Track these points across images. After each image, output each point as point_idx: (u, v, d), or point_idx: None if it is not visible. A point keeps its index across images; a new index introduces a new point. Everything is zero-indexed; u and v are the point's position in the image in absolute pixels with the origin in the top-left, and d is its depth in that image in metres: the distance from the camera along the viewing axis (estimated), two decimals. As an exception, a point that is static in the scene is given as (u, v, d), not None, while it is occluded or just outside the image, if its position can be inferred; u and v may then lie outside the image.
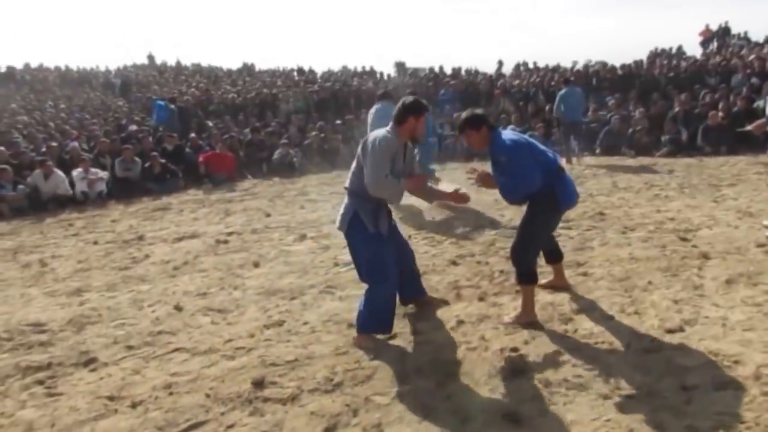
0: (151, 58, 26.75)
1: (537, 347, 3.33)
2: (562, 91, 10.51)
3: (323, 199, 8.82)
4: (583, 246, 5.29)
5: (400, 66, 24.35)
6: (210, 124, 13.33)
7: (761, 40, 16.38)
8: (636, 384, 2.84)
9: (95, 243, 6.88)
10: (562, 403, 2.75)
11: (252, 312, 4.31)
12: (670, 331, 3.37)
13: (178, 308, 4.45)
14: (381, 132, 3.53)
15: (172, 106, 13.09)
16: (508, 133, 3.63)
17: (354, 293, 4.50)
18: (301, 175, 11.22)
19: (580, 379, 2.94)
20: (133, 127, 12.45)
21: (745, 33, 19.29)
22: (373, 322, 3.58)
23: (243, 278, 5.15)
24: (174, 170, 10.45)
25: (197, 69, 23.57)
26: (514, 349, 3.31)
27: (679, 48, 19.49)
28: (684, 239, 5.22)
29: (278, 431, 2.74)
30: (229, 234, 6.94)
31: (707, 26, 20.97)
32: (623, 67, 14.42)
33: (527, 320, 3.63)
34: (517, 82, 15.71)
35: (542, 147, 3.66)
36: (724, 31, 20.31)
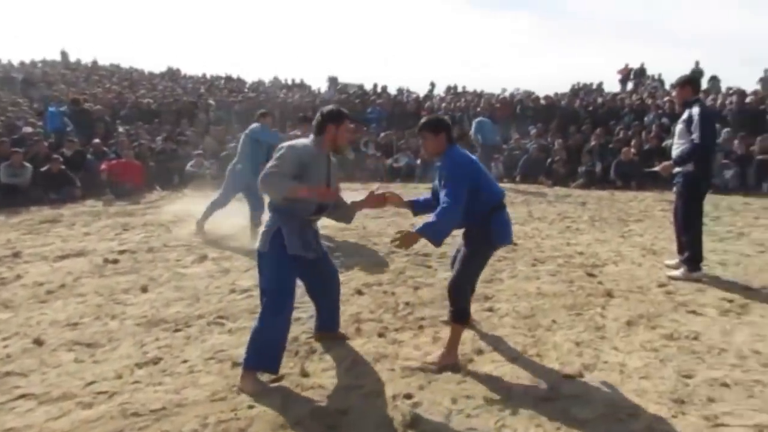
0: (64, 54, 25.10)
1: (432, 393, 3.09)
2: (477, 120, 11.17)
3: (234, 215, 8.34)
4: (493, 278, 5.16)
5: (332, 81, 24.12)
6: (120, 129, 12.48)
7: (674, 83, 17.38)
8: (529, 440, 2.65)
9: (-40, 259, 6.11)
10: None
11: (126, 347, 3.83)
12: (568, 377, 3.23)
13: (38, 342, 3.88)
14: (303, 140, 3.36)
15: (63, 108, 12.11)
16: (464, 153, 3.39)
17: (247, 325, 4.11)
18: (214, 188, 10.62)
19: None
20: (28, 129, 11.40)
21: (659, 75, 20.44)
22: (259, 357, 3.22)
23: (125, 305, 4.64)
24: (71, 178, 9.61)
25: (115, 69, 22.32)
26: (408, 396, 3.06)
27: (600, 84, 20.41)
28: (591, 275, 5.20)
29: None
30: (121, 252, 6.35)
31: (626, 65, 22.07)
32: (546, 98, 14.83)
33: (451, 361, 3.39)
34: (444, 105, 15.81)
35: (491, 177, 3.47)
36: (640, 72, 21.44)
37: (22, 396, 3.18)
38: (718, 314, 4.17)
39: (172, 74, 23.50)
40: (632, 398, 2.97)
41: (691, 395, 2.99)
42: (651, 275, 5.16)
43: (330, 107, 3.47)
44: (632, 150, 10.77)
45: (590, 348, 3.62)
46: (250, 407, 2.99)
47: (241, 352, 3.64)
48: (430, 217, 3.22)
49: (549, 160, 11.37)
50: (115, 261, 5.98)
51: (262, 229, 3.37)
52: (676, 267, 5.17)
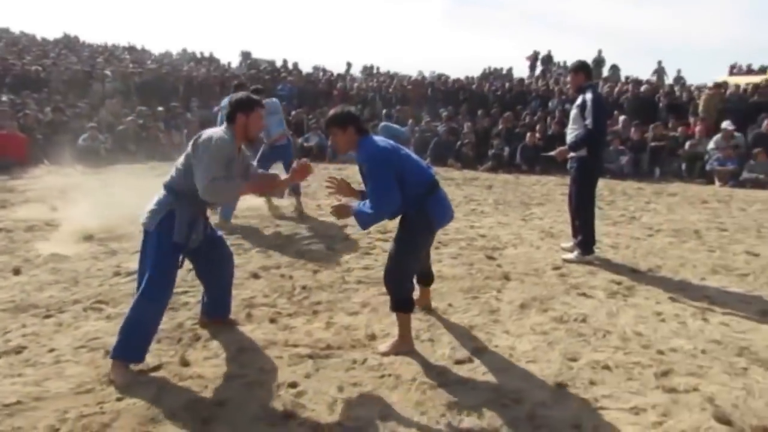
0: (-55, 13, 22.61)
1: (319, 381, 2.97)
2: (382, 126, 11.02)
3: (127, 193, 7.80)
4: (395, 261, 5.09)
5: (245, 56, 23.20)
6: (3, 98, 11.34)
7: (568, 68, 18.02)
8: (412, 427, 2.58)
9: None
10: (328, 455, 2.40)
11: (-15, 335, 3.44)
12: (459, 362, 3.20)
13: None
14: (217, 132, 3.07)
15: None
16: (380, 140, 3.18)
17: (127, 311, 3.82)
18: (108, 164, 9.96)
19: (357, 422, 2.62)
20: None
21: (565, 62, 21.22)
22: (125, 347, 2.99)
23: (-9, 289, 4.19)
24: (-58, 149, 8.66)
25: (2, 34, 20.33)
26: (293, 385, 2.93)
27: (510, 70, 20.92)
28: (490, 257, 5.26)
29: None
30: (-3, 231, 5.78)
31: (534, 51, 22.76)
32: (456, 81, 14.99)
33: (404, 349, 3.26)
34: (356, 84, 15.63)
35: (416, 159, 3.26)
36: (548, 59, 22.17)
37: None
38: (606, 296, 4.32)
39: (69, 41, 21.74)
40: (518, 383, 2.98)
41: (574, 378, 3.05)
42: (547, 258, 5.29)
43: (240, 95, 3.24)
44: (537, 135, 11.09)
45: (483, 332, 3.62)
46: (119, 399, 2.76)
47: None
48: (366, 205, 3.08)
49: (458, 143, 11.51)
50: (-13, 240, 5.42)
51: (151, 205, 3.09)
52: (570, 250, 5.34)
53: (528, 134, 11.14)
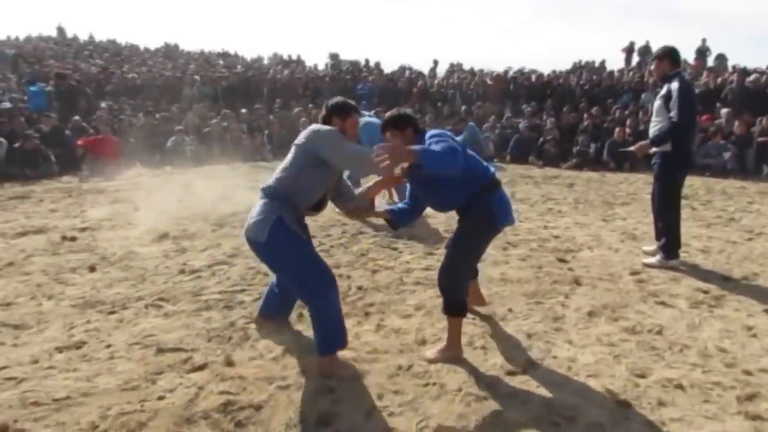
0: (60, 30, 24.70)
1: (360, 388, 2.84)
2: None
3: (206, 193, 8.10)
4: (458, 263, 4.88)
5: (333, 57, 23.60)
6: (102, 105, 12.19)
7: (652, 55, 16.66)
8: (450, 443, 2.40)
9: None
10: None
11: (54, 329, 3.61)
12: (511, 373, 2.97)
13: (-37, 322, 3.70)
14: (312, 126, 3.04)
15: (49, 89, 11.79)
16: (441, 131, 3.00)
17: (186, 308, 3.91)
18: (194, 165, 10.42)
19: (391, 433, 2.48)
20: (6, 105, 11.11)
21: (663, 52, 19.79)
22: (336, 338, 3.00)
23: (66, 285, 4.42)
24: (46, 154, 9.38)
25: (109, 45, 21.95)
26: (331, 390, 2.82)
27: (602, 62, 19.82)
28: (562, 260, 4.92)
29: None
30: (83, 230, 6.14)
31: (631, 43, 21.43)
32: (540, 76, 14.38)
33: (451, 355, 3.10)
34: (436, 82, 15.41)
35: (474, 155, 3.10)
36: (645, 50, 20.80)
37: (-73, 381, 2.98)
38: (688, 306, 3.89)
39: (169, 50, 23.08)
40: (574, 399, 2.71)
41: (640, 398, 2.73)
42: (626, 262, 4.87)
43: (337, 99, 3.16)
44: (627, 130, 10.37)
45: (542, 341, 3.35)
46: (160, 398, 2.77)
47: (172, 337, 3.45)
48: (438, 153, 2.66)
49: (541, 140, 11.02)
50: (73, 239, 5.77)
51: (256, 217, 2.95)
52: (652, 254, 4.88)
53: (617, 129, 10.45)
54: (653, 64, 4.80)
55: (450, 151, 2.64)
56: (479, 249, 3.18)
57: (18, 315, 3.84)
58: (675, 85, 4.43)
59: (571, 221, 6.43)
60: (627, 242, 5.53)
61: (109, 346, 3.37)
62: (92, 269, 4.81)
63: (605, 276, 4.50)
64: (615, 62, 20.40)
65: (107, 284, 4.43)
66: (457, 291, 3.08)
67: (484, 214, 3.02)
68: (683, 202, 7.33)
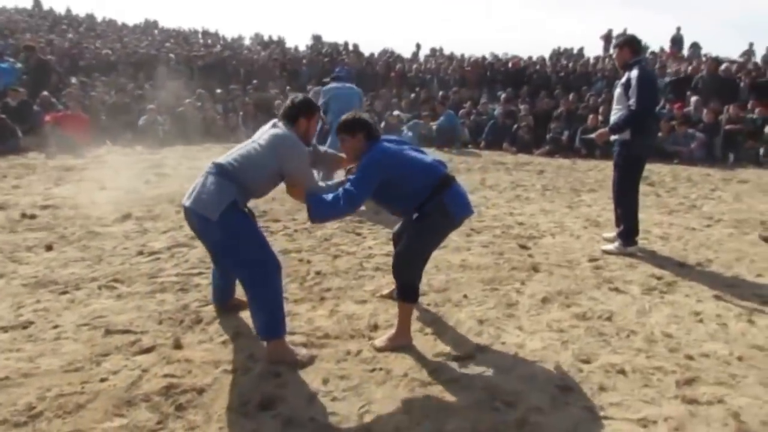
0: (36, 2, 24.03)
1: (305, 372, 2.84)
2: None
3: (176, 173, 8.00)
4: (420, 248, 4.89)
5: (316, 39, 23.28)
6: (73, 80, 11.91)
7: (614, 44, 16.75)
8: (389, 428, 2.41)
9: None
10: (292, 452, 2.27)
11: (1, 309, 3.55)
12: (458, 359, 2.99)
13: None
14: (287, 134, 3.00)
15: (19, 66, 11.47)
16: (388, 147, 3.04)
17: (141, 290, 3.87)
18: (165, 145, 10.26)
19: (334, 417, 2.48)
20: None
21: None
22: (276, 325, 2.92)
23: (20, 264, 4.35)
24: (12, 128, 9.17)
25: (86, 20, 21.40)
26: (277, 374, 2.81)
27: (581, 50, 19.85)
28: (523, 247, 4.95)
29: None
30: (44, 207, 6.04)
31: (609, 30, 21.49)
32: (516, 62, 14.34)
33: (401, 343, 3.08)
34: (414, 66, 15.31)
35: (423, 160, 3.07)
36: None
37: None
38: (641, 292, 3.94)
39: (148, 26, 22.60)
40: (517, 385, 2.73)
41: (582, 382, 2.77)
42: (586, 249, 4.93)
43: (301, 97, 3.19)
44: (599, 117, 10.43)
45: (493, 327, 3.38)
46: (102, 380, 2.74)
47: (123, 319, 3.41)
48: (328, 195, 2.95)
49: (515, 126, 11.04)
50: (33, 216, 5.67)
51: (210, 194, 2.86)
52: (611, 240, 4.94)
53: (590, 117, 10.51)
54: (615, 53, 4.81)
55: (345, 200, 2.87)
56: (435, 241, 3.17)
57: (-34, 294, 3.77)
58: (635, 72, 4.46)
59: (537, 208, 6.48)
60: (590, 229, 5.59)
61: (56, 326, 3.32)
62: (49, 248, 4.73)
63: (563, 263, 4.55)
64: (594, 50, 20.46)
65: (62, 264, 4.36)
66: (411, 277, 3.08)
67: (440, 212, 3.02)
68: (648, 189, 7.46)
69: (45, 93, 10.59)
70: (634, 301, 3.79)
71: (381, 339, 3.16)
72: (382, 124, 11.61)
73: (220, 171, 2.94)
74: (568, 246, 5.01)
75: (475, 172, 8.78)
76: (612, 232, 5.09)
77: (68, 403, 2.55)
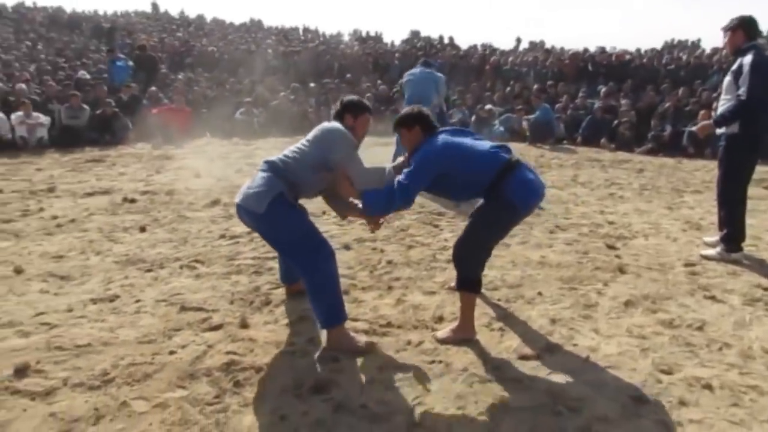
0: (154, 6, 25.95)
1: (363, 359, 2.80)
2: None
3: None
4: (501, 243, 4.71)
5: (414, 34, 23.31)
6: (180, 76, 12.69)
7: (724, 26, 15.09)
8: (440, 423, 2.31)
9: (0, 192, 6.42)
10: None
11: (93, 283, 3.82)
12: (523, 358, 2.83)
13: (17, 271, 3.98)
14: (333, 125, 3.02)
15: (131, 63, 12.35)
16: (445, 138, 2.95)
17: (218, 271, 4.02)
18: (259, 136, 10.66)
19: (383, 407, 2.41)
20: (85, 76, 11.75)
21: (768, 32, 18.09)
22: (334, 312, 2.89)
23: (115, 243, 4.66)
24: (124, 121, 9.91)
25: (196, 20, 22.76)
26: (335, 359, 2.80)
27: (698, 41, 18.36)
28: (611, 247, 4.63)
29: (0, 433, 2.26)
30: (144, 193, 6.46)
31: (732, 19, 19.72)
32: (619, 55, 13.49)
33: (463, 336, 2.99)
34: (510, 59, 14.86)
35: (482, 148, 2.92)
36: (748, 26, 19.03)
37: (-27, 321, 3.22)
38: (741, 303, 3.55)
39: (253, 25, 23.65)
40: (584, 390, 2.53)
41: (660, 395, 2.52)
42: (682, 252, 4.52)
43: (352, 98, 3.22)
44: (712, 113, 9.57)
45: (566, 327, 3.17)
46: (171, 353, 2.86)
47: (198, 297, 3.55)
48: (382, 189, 2.91)
49: (615, 122, 10.40)
50: (133, 200, 6.08)
51: (257, 188, 2.87)
52: (713, 245, 4.50)
53: (701, 112, 9.66)
54: (726, 36, 4.35)
55: (399, 193, 2.84)
56: (496, 231, 3.01)
57: (66, 267, 4.08)
58: (748, 58, 4.01)
59: (631, 207, 6.05)
60: (689, 232, 5.13)
61: (138, 301, 3.52)
62: (142, 230, 5.03)
63: (655, 266, 4.20)
64: (713, 41, 18.87)
65: (152, 244, 4.62)
66: (471, 268, 2.96)
67: (500, 202, 2.87)
68: (765, 192, 6.74)
69: (153, 88, 11.35)
70: (732, 312, 3.41)
71: (443, 330, 3.07)
72: (473, 118, 11.39)
73: (269, 167, 2.96)
74: (662, 249, 4.63)
75: (568, 168, 8.37)
76: (714, 236, 4.63)
77: (138, 372, 2.67)
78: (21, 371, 2.65)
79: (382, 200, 2.89)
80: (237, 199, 2.96)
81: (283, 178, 2.91)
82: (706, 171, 8.17)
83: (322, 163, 2.95)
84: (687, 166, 8.61)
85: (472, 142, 2.97)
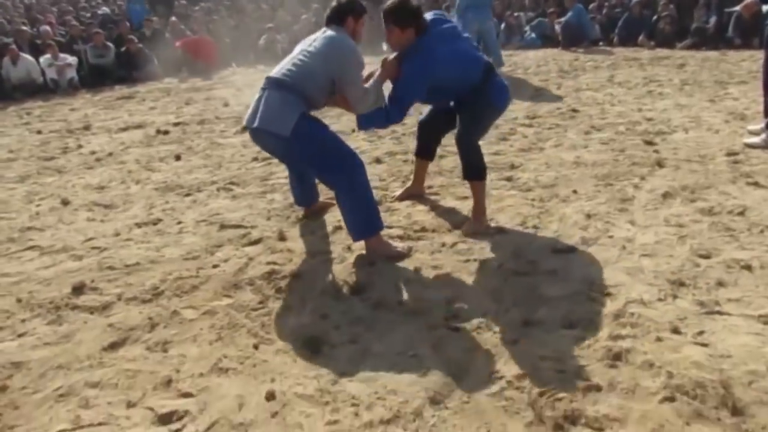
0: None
1: (399, 262, 2.86)
2: None
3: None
4: (532, 147, 4.65)
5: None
6: (196, 7, 12.46)
7: None
8: (476, 314, 2.37)
9: (38, 132, 6.57)
10: (378, 330, 2.32)
11: (136, 209, 3.95)
12: (558, 252, 2.84)
13: (64, 202, 4.15)
14: (343, 38, 2.83)
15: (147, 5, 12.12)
16: (435, 49, 2.88)
17: (253, 191, 4.11)
18: (285, 63, 10.52)
19: (420, 303, 2.48)
20: (105, 10, 11.68)
21: None
22: (372, 221, 2.88)
23: (153, 171, 4.78)
24: (149, 57, 9.89)
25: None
26: (372, 263, 2.87)
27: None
28: (649, 143, 4.50)
29: (65, 342, 2.42)
30: (176, 125, 6.52)
31: None
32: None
33: (483, 224, 3.14)
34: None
35: (468, 53, 3.03)
36: None
37: (31, 248, 3.41)
38: (786, 187, 3.44)
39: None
40: (619, 276, 2.55)
41: (697, 277, 2.51)
42: (724, 143, 4.36)
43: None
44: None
45: (601, 221, 3.15)
46: (215, 266, 2.98)
47: (236, 216, 3.65)
48: (373, 110, 2.93)
49: (654, 17, 9.81)
50: (166, 132, 6.16)
51: (278, 111, 2.76)
52: (757, 133, 4.32)
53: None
54: None
55: (393, 112, 2.91)
56: (486, 126, 3.25)
57: (109, 197, 4.23)
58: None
59: (671, 103, 5.81)
60: (732, 123, 4.93)
61: (180, 222, 3.64)
62: (177, 158, 5.13)
63: (695, 157, 4.07)
64: None
65: (188, 170, 4.72)
66: (477, 158, 3.13)
67: (486, 103, 3.08)
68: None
69: (173, 19, 11.21)
70: (775, 196, 3.32)
71: (465, 226, 3.17)
72: (502, 26, 10.93)
73: (279, 85, 2.81)
74: (702, 141, 4.47)
75: (603, 70, 8.02)
76: (759, 124, 4.44)
77: (185, 284, 2.80)
78: (78, 289, 2.81)
79: (378, 120, 2.97)
80: (254, 123, 2.83)
81: (295, 93, 2.78)
82: (753, 61, 7.71)
83: (328, 81, 2.83)
84: (732, 58, 8.14)
85: (460, 46, 3.00)
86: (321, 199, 3.63)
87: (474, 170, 3.14)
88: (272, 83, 2.85)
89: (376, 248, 2.93)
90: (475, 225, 3.12)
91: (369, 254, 2.94)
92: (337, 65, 2.80)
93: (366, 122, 2.99)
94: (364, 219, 2.87)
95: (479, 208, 3.16)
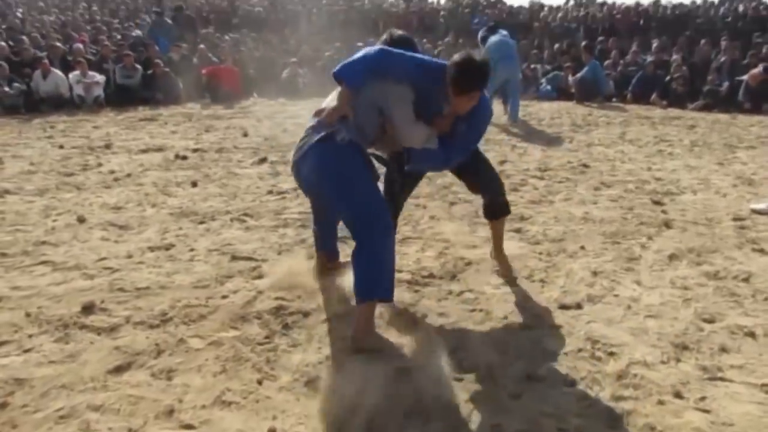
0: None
1: (406, 308, 2.91)
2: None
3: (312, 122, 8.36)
4: (542, 200, 4.71)
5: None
6: (226, 37, 12.82)
7: None
8: (479, 365, 2.39)
9: (60, 147, 6.73)
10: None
11: (150, 232, 4.02)
12: (563, 307, 2.87)
13: (80, 220, 4.22)
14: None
15: (170, 22, 12.44)
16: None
17: (266, 224, 4.17)
18: (304, 97, 10.73)
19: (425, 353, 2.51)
20: (138, 33, 12.04)
21: None
22: (384, 284, 2.56)
23: (169, 196, 4.87)
24: (175, 81, 10.14)
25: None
26: (403, 305, 2.89)
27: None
28: (657, 203, 4.56)
29: (70, 362, 2.45)
30: (194, 150, 6.65)
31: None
32: (675, 7, 12.87)
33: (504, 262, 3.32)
34: (559, 15, 14.36)
35: None
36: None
37: (44, 262, 3.47)
38: (792, 257, 3.48)
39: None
40: (623, 336, 2.58)
41: (701, 342, 2.53)
42: (731, 207, 4.42)
43: (401, 33, 2.98)
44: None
45: (607, 279, 3.18)
46: (223, 297, 3.02)
47: (247, 248, 3.71)
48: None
49: (667, 77, 10.00)
50: (185, 157, 6.28)
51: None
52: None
53: (761, 65, 9.19)
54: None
55: (449, 160, 2.83)
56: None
57: (124, 218, 4.31)
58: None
59: (680, 164, 5.89)
60: (740, 187, 4.99)
61: (192, 249, 3.70)
62: (194, 185, 5.23)
63: (702, 220, 4.13)
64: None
65: (203, 198, 4.81)
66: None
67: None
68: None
69: (202, 46, 11.51)
70: (781, 265, 3.35)
71: (502, 268, 3.30)
72: (519, 77, 11.13)
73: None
74: (710, 203, 4.53)
75: (615, 126, 8.16)
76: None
77: (193, 313, 2.85)
78: (87, 309, 2.86)
79: (436, 162, 2.84)
80: (296, 156, 2.73)
81: (345, 126, 2.58)
82: (762, 126, 7.84)
83: (373, 106, 2.67)
84: (742, 122, 8.26)
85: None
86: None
87: (506, 204, 3.18)
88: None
89: (363, 319, 2.53)
90: (502, 263, 3.30)
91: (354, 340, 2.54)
92: (386, 99, 2.66)
93: (431, 156, 2.74)
94: (372, 279, 2.53)
95: (501, 244, 3.33)
